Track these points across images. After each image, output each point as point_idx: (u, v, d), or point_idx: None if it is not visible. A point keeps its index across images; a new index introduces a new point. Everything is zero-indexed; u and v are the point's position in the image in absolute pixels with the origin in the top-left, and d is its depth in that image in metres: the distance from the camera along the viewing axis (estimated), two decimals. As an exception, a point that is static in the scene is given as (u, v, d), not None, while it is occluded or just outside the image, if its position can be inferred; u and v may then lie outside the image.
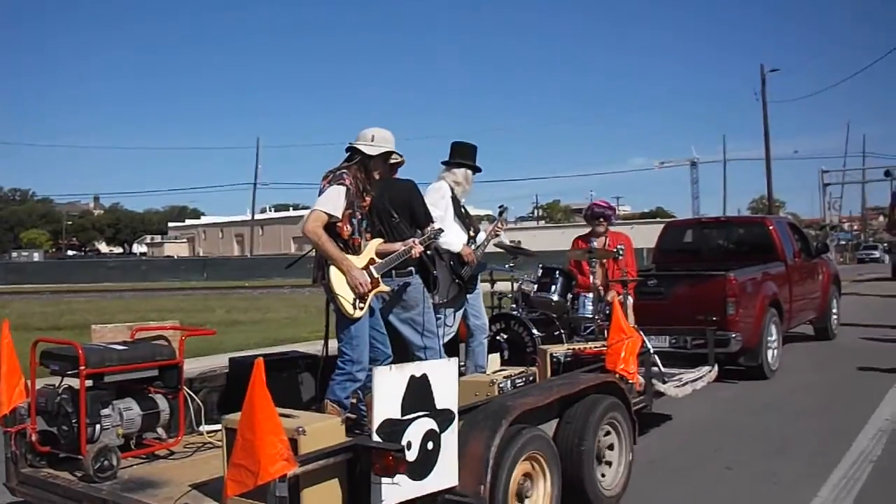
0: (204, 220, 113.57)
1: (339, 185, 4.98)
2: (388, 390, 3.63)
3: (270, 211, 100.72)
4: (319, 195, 5.05)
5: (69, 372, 4.46)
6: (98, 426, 4.46)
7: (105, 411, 4.52)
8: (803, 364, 11.03)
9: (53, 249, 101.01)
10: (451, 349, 6.71)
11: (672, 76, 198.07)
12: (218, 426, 5.18)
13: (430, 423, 3.80)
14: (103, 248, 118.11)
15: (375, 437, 3.58)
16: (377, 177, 5.25)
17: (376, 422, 3.58)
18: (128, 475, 4.42)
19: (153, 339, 5.13)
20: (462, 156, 6.55)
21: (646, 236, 25.19)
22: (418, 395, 3.76)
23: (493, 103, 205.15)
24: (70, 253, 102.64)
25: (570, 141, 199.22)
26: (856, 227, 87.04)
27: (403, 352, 5.66)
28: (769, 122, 40.03)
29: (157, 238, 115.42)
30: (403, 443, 3.66)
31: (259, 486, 3.22)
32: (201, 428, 5.13)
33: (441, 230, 5.63)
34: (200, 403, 5.08)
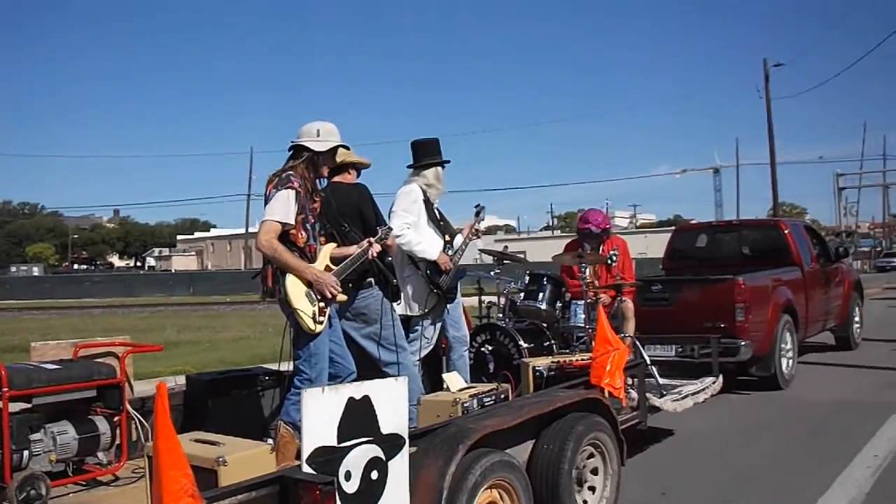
0: (214, 232, 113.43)
1: (287, 188, 4.56)
2: (320, 415, 3.23)
3: None
4: (266, 203, 4.64)
5: (-5, 394, 4.11)
6: (27, 452, 4.11)
7: (35, 436, 4.19)
8: (820, 374, 10.49)
9: (60, 264, 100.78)
10: (432, 363, 6.31)
11: (693, 79, 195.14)
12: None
13: (374, 450, 3.39)
14: (116, 261, 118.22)
15: (306, 468, 3.18)
16: (325, 173, 4.89)
17: (307, 450, 3.18)
18: (60, 505, 4.08)
19: (98, 356, 4.78)
20: (427, 154, 6.12)
21: (661, 245, 24.69)
22: (359, 419, 3.35)
23: (504, 105, 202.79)
24: (78, 267, 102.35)
25: (588, 148, 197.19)
26: (878, 234, 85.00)
27: (374, 370, 5.27)
28: (773, 122, 37.86)
29: (166, 251, 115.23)
30: (341, 473, 3.27)
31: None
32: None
33: (391, 228, 5.18)
34: (147, 426, 4.68)
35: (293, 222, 4.56)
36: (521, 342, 6.48)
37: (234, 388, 5.40)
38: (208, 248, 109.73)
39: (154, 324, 23.44)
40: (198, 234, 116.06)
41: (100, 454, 4.50)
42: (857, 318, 13.10)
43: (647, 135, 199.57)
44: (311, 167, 4.72)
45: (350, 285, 5.06)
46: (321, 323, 4.60)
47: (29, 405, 4.24)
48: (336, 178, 5.42)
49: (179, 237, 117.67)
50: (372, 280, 5.24)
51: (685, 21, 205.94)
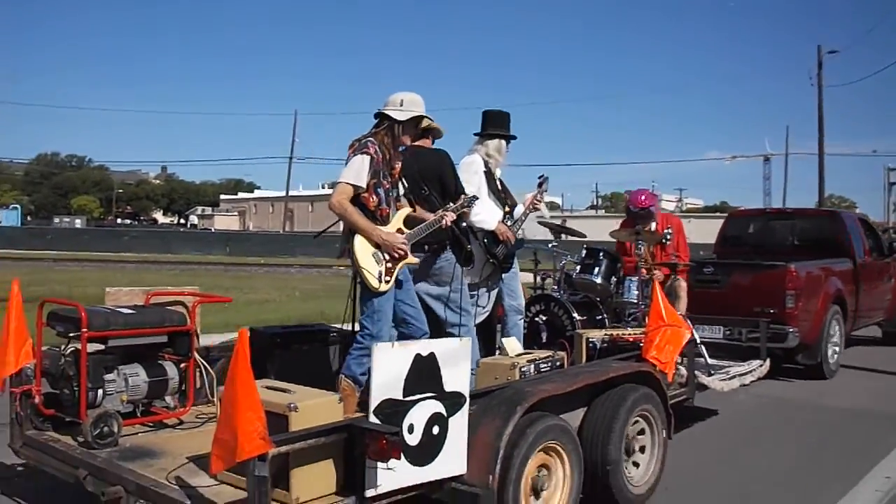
0: (257, 193, 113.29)
1: (363, 154, 4.75)
2: (389, 369, 3.37)
3: (324, 188, 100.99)
4: (345, 165, 4.82)
5: (73, 334, 4.30)
6: (101, 391, 4.30)
7: (109, 376, 4.36)
8: (845, 376, 9.98)
9: (104, 217, 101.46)
10: (486, 330, 6.42)
11: (747, 62, 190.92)
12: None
13: (436, 406, 3.55)
14: (160, 217, 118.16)
15: (372, 418, 3.32)
16: (407, 142, 4.99)
17: (374, 402, 3.33)
18: (129, 443, 4.27)
19: (168, 304, 4.96)
20: (494, 125, 6.20)
21: (706, 231, 24.35)
22: (425, 376, 3.50)
23: (551, 80, 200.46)
24: (121, 222, 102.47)
25: (636, 129, 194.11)
26: None
27: (437, 329, 5.41)
28: (823, 112, 36.59)
29: (209, 210, 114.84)
30: (405, 426, 3.41)
31: (239, 464, 3.00)
32: (215, 399, 4.94)
33: (476, 197, 5.32)
34: (214, 374, 4.86)
35: (364, 186, 4.72)
36: (575, 314, 6.58)
37: (296, 342, 5.56)
38: (251, 210, 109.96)
39: (184, 281, 22.55)
40: (241, 195, 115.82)
41: (167, 398, 4.67)
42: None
43: (697, 118, 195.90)
44: (390, 135, 4.88)
45: (426, 248, 5.21)
46: (387, 283, 4.77)
47: (104, 346, 4.42)
48: (415, 143, 5.53)
49: (223, 197, 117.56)
50: (447, 243, 5.37)
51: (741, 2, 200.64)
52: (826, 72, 37.06)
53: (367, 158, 4.74)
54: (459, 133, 7.16)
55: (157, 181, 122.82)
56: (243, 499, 3.10)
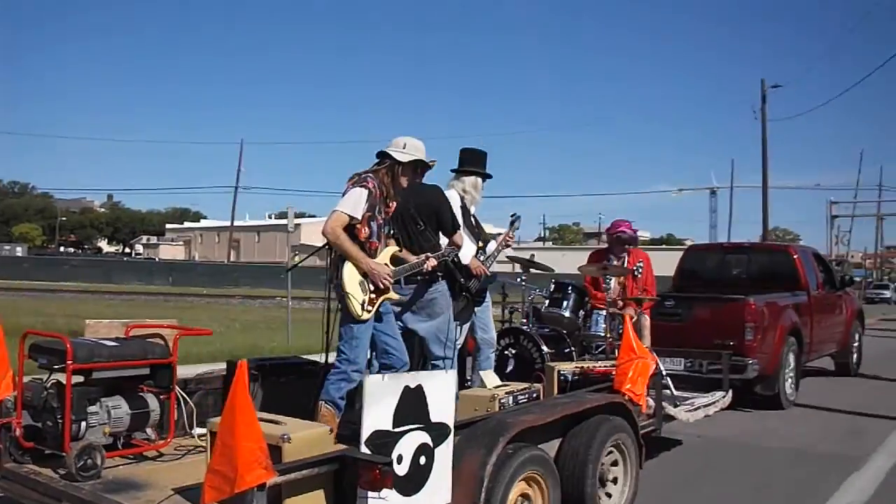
0: (203, 223, 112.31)
1: (361, 187, 4.95)
2: (379, 400, 3.48)
3: (270, 218, 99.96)
4: (342, 196, 5.01)
5: (57, 366, 4.33)
6: (84, 423, 4.31)
7: (92, 408, 4.38)
8: (819, 398, 10.54)
9: (46, 245, 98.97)
10: (458, 363, 6.54)
11: (695, 97, 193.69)
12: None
13: (423, 437, 3.65)
14: (105, 246, 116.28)
15: (364, 449, 3.41)
16: (404, 184, 5.18)
17: (365, 433, 3.42)
18: (112, 475, 4.27)
19: (147, 336, 5.00)
20: (471, 163, 6.38)
21: (655, 264, 24.75)
22: (412, 407, 3.60)
23: (500, 109, 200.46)
24: (65, 250, 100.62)
25: (583, 162, 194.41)
26: (869, 265, 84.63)
27: (416, 360, 5.54)
28: (767, 145, 35.73)
29: (154, 239, 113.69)
30: (393, 456, 3.50)
31: (237, 494, 3.06)
32: (193, 431, 4.98)
33: (455, 251, 5.49)
34: (193, 405, 4.92)
35: (360, 217, 4.90)
36: (544, 347, 6.72)
37: (275, 374, 5.63)
38: (196, 239, 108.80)
39: (123, 312, 22.20)
40: (187, 224, 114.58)
41: (148, 430, 4.70)
42: (856, 346, 13.37)
43: (644, 151, 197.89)
44: (390, 174, 5.08)
45: (420, 279, 5.38)
46: (369, 311, 4.92)
47: (86, 378, 4.45)
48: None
49: (168, 226, 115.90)
50: (439, 276, 5.52)
51: (687, 34, 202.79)
52: (771, 105, 37.66)
53: (364, 192, 4.93)
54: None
55: (103, 209, 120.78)
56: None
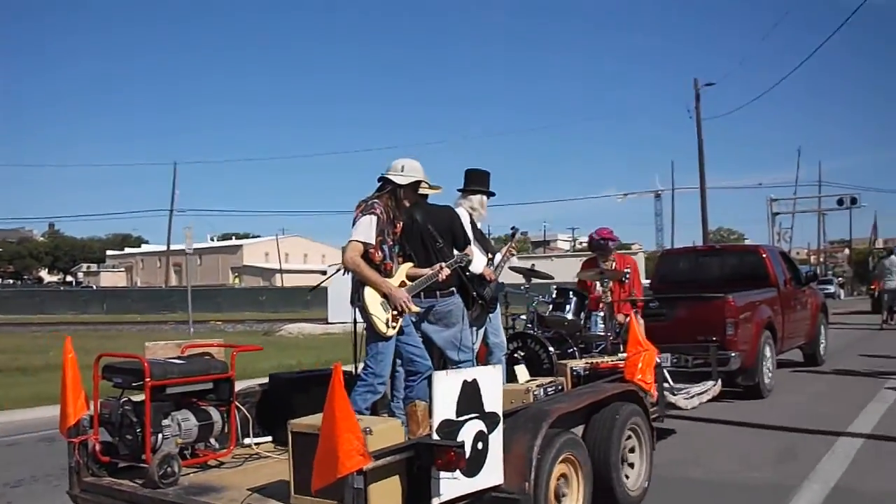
0: (144, 248, 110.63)
1: (370, 214, 5.39)
2: (445, 393, 3.98)
3: (212, 241, 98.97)
4: (353, 225, 5.46)
5: (133, 384, 4.77)
6: (160, 435, 4.75)
7: (166, 421, 4.82)
8: (793, 386, 11.29)
9: None
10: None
11: (635, 100, 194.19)
12: (262, 438, 5.56)
13: (480, 425, 4.15)
14: (45, 276, 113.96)
15: (435, 436, 3.92)
16: (407, 204, 5.65)
17: (436, 421, 3.93)
18: (188, 482, 4.72)
19: (201, 355, 5.45)
20: (477, 182, 6.96)
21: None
22: (470, 399, 4.11)
23: (441, 119, 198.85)
24: (3, 281, 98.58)
25: (526, 168, 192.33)
26: (813, 260, 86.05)
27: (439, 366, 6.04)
28: (703, 145, 36.33)
29: (94, 266, 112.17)
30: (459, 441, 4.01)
31: (340, 479, 3.55)
32: (246, 440, 5.44)
33: (468, 258, 5.99)
34: (248, 416, 5.38)
35: (373, 242, 5.37)
36: (551, 348, 7.28)
37: (313, 385, 6.08)
38: (138, 265, 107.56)
39: (37, 345, 21.81)
40: (128, 250, 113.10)
41: (212, 440, 5.16)
42: (822, 337, 14.13)
43: (588, 156, 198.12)
44: (394, 198, 5.55)
45: (437, 294, 5.84)
46: (393, 328, 5.41)
47: (158, 394, 4.89)
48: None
49: (109, 252, 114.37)
50: (454, 289, 6.00)
51: (626, 35, 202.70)
52: (711, 104, 37.71)
53: (374, 218, 5.40)
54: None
55: (43, 238, 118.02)
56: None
